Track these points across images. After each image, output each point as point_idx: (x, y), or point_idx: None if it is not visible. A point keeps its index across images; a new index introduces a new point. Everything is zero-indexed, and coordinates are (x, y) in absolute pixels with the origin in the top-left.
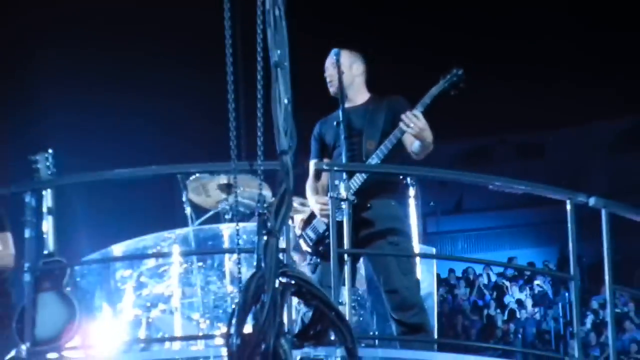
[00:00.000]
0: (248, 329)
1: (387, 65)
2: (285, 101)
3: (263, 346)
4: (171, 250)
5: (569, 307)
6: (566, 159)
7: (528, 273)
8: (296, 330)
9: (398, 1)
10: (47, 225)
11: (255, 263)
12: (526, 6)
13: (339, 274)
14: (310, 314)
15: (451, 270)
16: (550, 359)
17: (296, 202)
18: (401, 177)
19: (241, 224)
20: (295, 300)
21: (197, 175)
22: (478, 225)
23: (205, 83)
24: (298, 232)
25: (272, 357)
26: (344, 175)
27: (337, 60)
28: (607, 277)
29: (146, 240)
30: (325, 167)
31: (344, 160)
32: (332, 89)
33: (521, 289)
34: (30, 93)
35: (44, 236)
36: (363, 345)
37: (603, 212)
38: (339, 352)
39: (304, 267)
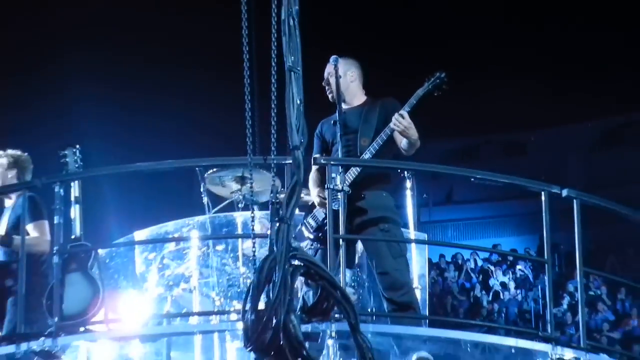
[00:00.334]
0: (261, 305)
1: (378, 68)
2: (298, 102)
3: (274, 321)
4: (190, 235)
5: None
6: (546, 157)
7: (511, 258)
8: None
9: (391, 13)
10: (75, 212)
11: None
12: (509, 15)
13: (335, 257)
14: (310, 293)
15: (442, 256)
16: (527, 335)
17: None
18: (398, 170)
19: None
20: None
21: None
22: (466, 215)
23: (224, 84)
24: None
25: (282, 331)
26: (340, 169)
27: (335, 66)
28: (577, 260)
29: (168, 226)
30: (322, 161)
31: (340, 156)
32: (331, 95)
33: (505, 273)
34: (60, 90)
35: (72, 222)
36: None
37: (575, 202)
38: (334, 327)
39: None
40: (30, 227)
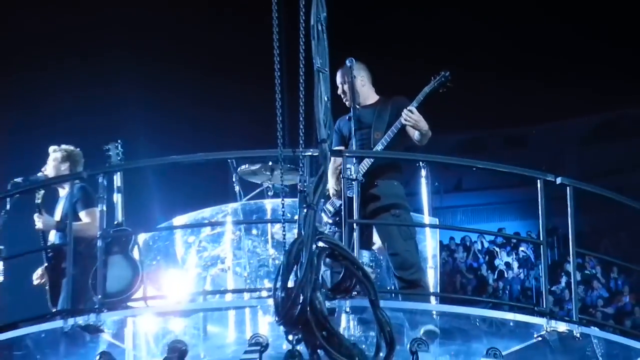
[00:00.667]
0: (290, 284)
1: (390, 68)
2: (325, 99)
3: (302, 298)
4: (225, 221)
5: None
6: (546, 148)
7: (514, 241)
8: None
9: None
10: (117, 200)
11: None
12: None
13: (349, 240)
14: (328, 273)
15: (451, 238)
16: (525, 310)
17: None
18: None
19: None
20: None
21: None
22: (474, 202)
23: (257, 83)
24: None
25: (309, 306)
26: (354, 160)
27: (350, 68)
28: (570, 241)
29: (204, 213)
30: (346, 153)
31: (355, 149)
32: (347, 102)
33: (508, 254)
34: (106, 90)
35: (115, 209)
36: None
37: (568, 188)
38: (348, 303)
39: None
40: (82, 214)
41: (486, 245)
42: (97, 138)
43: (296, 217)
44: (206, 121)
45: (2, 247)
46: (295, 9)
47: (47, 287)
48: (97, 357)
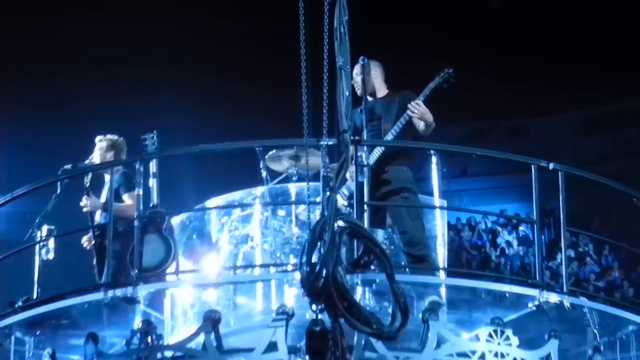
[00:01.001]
0: (314, 259)
1: (397, 66)
2: (347, 94)
3: (325, 272)
4: (253, 203)
5: (544, 246)
6: (544, 138)
7: (515, 221)
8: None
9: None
10: (153, 185)
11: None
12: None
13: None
14: (342, 250)
15: (458, 219)
16: (521, 282)
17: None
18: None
19: (304, 184)
20: None
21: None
22: (479, 186)
23: (285, 79)
24: None
25: (332, 280)
26: (365, 149)
27: (362, 65)
28: (562, 220)
29: (235, 195)
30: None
31: (366, 138)
32: (359, 90)
33: (510, 233)
34: (144, 84)
35: (150, 193)
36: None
37: (560, 173)
38: (360, 276)
39: None
40: (125, 197)
41: (489, 225)
42: (137, 128)
43: (319, 199)
44: (237, 113)
45: (53, 226)
46: (319, 14)
47: (94, 263)
48: (140, 325)
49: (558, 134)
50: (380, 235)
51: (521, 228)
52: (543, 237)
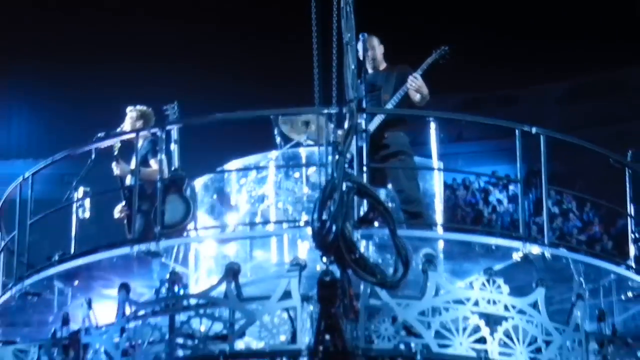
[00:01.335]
0: (325, 216)
1: (398, 43)
2: (353, 67)
3: (335, 227)
4: (268, 165)
5: (531, 204)
6: (532, 107)
7: (505, 181)
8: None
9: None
10: (174, 150)
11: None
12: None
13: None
14: None
15: (454, 179)
16: (506, 236)
17: None
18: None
19: (315, 148)
20: None
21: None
22: (473, 149)
23: (299, 55)
24: None
25: (340, 234)
26: (364, 116)
27: (364, 41)
28: (543, 178)
29: (250, 159)
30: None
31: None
32: (370, 65)
33: (500, 192)
34: (167, 62)
35: (172, 158)
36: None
37: (542, 137)
38: (360, 232)
39: None
40: (152, 162)
41: (482, 185)
42: (163, 98)
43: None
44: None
45: (88, 188)
46: None
47: (125, 222)
48: (167, 276)
49: (544, 102)
50: (382, 194)
51: (511, 187)
52: (531, 196)
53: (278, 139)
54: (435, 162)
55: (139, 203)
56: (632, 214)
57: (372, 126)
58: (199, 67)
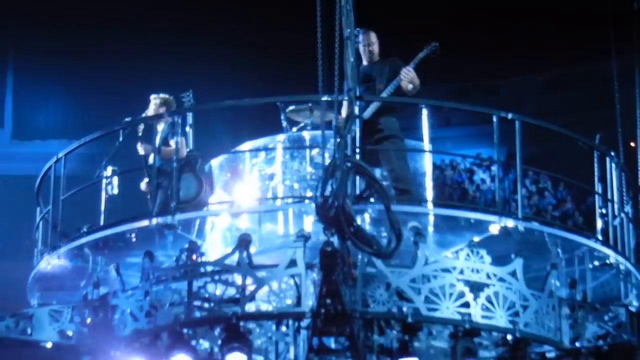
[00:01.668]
0: (327, 193)
1: (391, 38)
2: (352, 59)
3: (336, 203)
4: (276, 147)
5: (511, 183)
6: (514, 97)
7: (488, 162)
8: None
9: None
10: (190, 132)
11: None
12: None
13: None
14: None
15: (442, 160)
16: (484, 210)
17: None
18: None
19: (318, 132)
20: None
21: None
22: (459, 134)
23: (303, 46)
24: None
25: (341, 209)
26: (357, 103)
27: (359, 35)
28: (518, 159)
29: (260, 141)
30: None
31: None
32: (365, 57)
33: (484, 172)
34: (177, 48)
35: (187, 139)
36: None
37: (517, 122)
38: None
39: None
40: (172, 143)
41: (467, 165)
42: (180, 87)
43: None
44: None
45: (116, 167)
46: None
47: (149, 197)
48: (186, 246)
49: (525, 91)
50: (377, 173)
51: (493, 168)
52: (510, 175)
53: (285, 123)
54: (427, 145)
55: (160, 179)
56: (599, 191)
57: (368, 113)
58: (217, 56)
